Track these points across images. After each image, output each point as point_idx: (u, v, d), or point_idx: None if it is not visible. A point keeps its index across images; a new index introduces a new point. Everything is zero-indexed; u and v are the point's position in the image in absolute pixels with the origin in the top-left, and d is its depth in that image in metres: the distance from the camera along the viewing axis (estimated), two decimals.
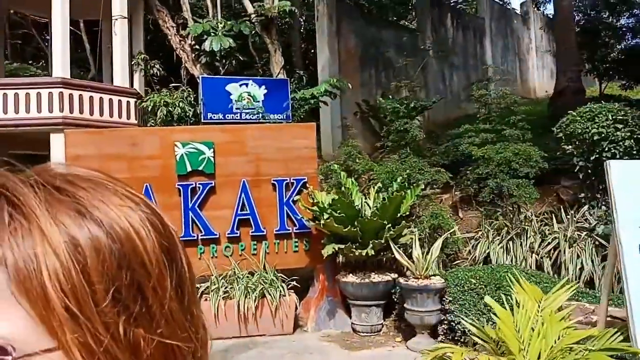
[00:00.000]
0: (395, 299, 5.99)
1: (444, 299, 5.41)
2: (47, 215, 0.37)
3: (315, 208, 6.10)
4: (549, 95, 11.52)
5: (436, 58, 10.92)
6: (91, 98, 7.66)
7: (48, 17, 10.26)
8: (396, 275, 6.05)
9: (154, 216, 0.43)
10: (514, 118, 6.47)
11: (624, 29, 11.47)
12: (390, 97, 9.85)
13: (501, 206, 6.27)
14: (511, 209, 6.21)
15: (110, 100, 7.87)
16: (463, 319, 3.61)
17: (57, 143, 7.36)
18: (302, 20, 12.67)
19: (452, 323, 5.33)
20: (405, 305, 5.49)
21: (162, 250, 0.41)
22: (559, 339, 2.71)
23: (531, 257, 5.69)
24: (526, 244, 5.76)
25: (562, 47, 9.15)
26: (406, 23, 13.92)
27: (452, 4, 13.85)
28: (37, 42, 16.30)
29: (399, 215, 5.91)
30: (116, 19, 8.09)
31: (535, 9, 16.29)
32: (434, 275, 5.58)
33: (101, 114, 7.77)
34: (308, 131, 6.79)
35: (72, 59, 8.06)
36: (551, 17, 18.24)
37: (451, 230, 6.01)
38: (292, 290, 6.20)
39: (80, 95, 7.57)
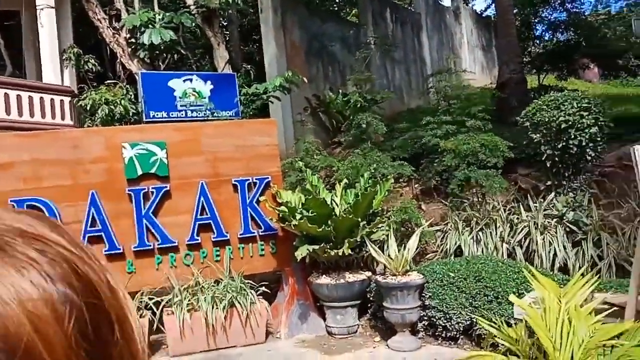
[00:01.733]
0: (370, 298, 5.83)
1: (423, 294, 5.32)
2: None
3: (283, 208, 5.80)
4: (487, 87, 11.95)
5: (379, 52, 10.91)
6: (19, 97, 6.77)
7: None
8: (370, 274, 5.90)
9: (73, 277, 0.36)
10: (474, 109, 6.53)
11: (557, 22, 12.17)
12: (340, 91, 9.71)
13: (467, 197, 6.30)
14: (477, 199, 6.25)
15: (42, 99, 7.00)
16: (482, 321, 3.47)
17: None
18: (237, 14, 12.18)
19: (432, 319, 5.25)
20: (384, 303, 5.34)
21: (76, 327, 0.34)
22: (590, 336, 2.64)
23: (502, 246, 5.74)
24: (496, 234, 5.81)
25: (504, 39, 9.47)
26: (349, 17, 13.86)
27: None
28: None
29: (371, 211, 5.75)
30: (42, 9, 7.22)
31: (465, 4, 16.89)
32: (411, 271, 5.48)
33: (32, 115, 6.89)
34: (269, 127, 6.45)
35: None
36: (480, 12, 19.06)
37: (423, 225, 5.95)
38: (262, 297, 5.86)
39: (5, 94, 6.67)
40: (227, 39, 11.75)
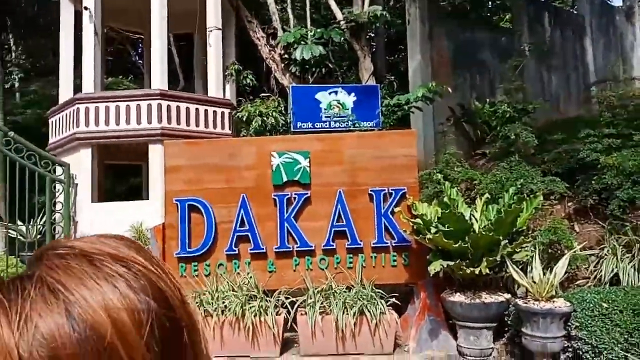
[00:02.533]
0: (508, 322, 5.46)
1: (568, 324, 4.83)
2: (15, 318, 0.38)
3: (418, 221, 5.71)
4: None
5: (534, 59, 10.17)
6: (187, 109, 7.77)
7: (143, 32, 10.67)
8: (509, 296, 5.51)
9: (150, 290, 0.42)
10: None
11: None
12: (487, 101, 9.27)
13: (630, 220, 5.56)
14: None
15: (206, 111, 7.94)
16: None
17: (156, 154, 7.50)
18: (385, 26, 12.34)
19: (578, 351, 4.74)
20: (523, 329, 4.96)
21: (155, 328, 0.41)
22: None
23: None
24: None
25: None
26: (501, 24, 13.20)
27: (549, 1, 12.95)
28: (128, 57, 17.18)
29: (514, 229, 5.39)
30: (211, 31, 8.18)
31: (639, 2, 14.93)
32: (557, 297, 5.00)
33: (197, 124, 7.85)
34: (409, 138, 6.42)
35: None
36: None
37: (574, 248, 5.39)
38: (391, 308, 5.84)
39: (177, 106, 7.70)
40: (374, 49, 11.98)
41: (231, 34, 9.16)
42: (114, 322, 0.39)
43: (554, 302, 4.89)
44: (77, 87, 8.88)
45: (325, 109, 8.28)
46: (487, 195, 5.99)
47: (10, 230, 8.38)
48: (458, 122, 9.24)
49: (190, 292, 5.91)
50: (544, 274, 5.05)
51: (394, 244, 6.20)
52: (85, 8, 8.08)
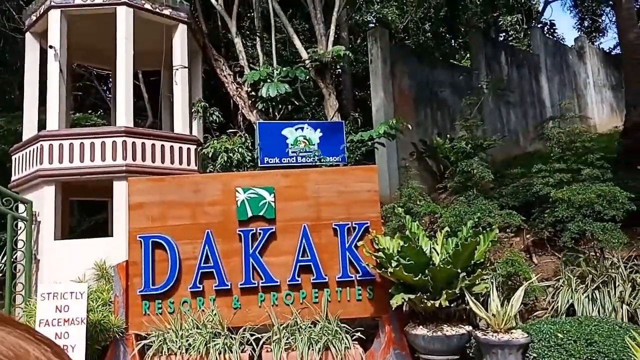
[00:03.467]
0: (470, 354, 5.55)
1: (526, 355, 4.95)
2: None
3: (380, 254, 5.82)
4: (616, 130, 10.96)
5: (492, 96, 10.64)
6: (153, 146, 7.80)
7: (110, 69, 10.72)
8: (470, 328, 5.62)
9: None
10: (591, 157, 6.06)
11: None
12: (448, 136, 9.60)
13: (583, 251, 5.80)
14: (594, 254, 5.72)
15: (172, 148, 7.98)
16: None
17: (120, 190, 7.46)
18: (352, 63, 12.74)
19: None
20: None
21: None
22: None
23: (622, 308, 5.16)
24: (615, 294, 5.25)
25: (633, 81, 8.70)
26: (461, 62, 13.78)
27: (505, 42, 13.62)
28: (97, 92, 17.13)
29: (472, 262, 5.55)
30: (177, 69, 8.31)
31: (590, 43, 15.85)
32: (515, 328, 5.14)
33: (162, 161, 7.87)
34: (370, 174, 6.60)
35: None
36: (608, 51, 17.71)
37: (530, 280, 5.57)
38: (357, 342, 5.87)
39: (142, 143, 7.72)
40: (341, 86, 12.33)
41: (198, 71, 9.32)
42: None
43: (511, 333, 5.02)
44: (42, 124, 8.82)
45: (291, 145, 8.44)
46: (446, 228, 6.16)
47: None
48: (421, 157, 9.52)
49: (154, 331, 5.82)
50: (502, 305, 5.19)
51: (358, 278, 6.28)
52: (51, 46, 8.11)
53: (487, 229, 5.70)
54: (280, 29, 10.56)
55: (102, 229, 10.78)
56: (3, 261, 7.65)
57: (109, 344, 5.93)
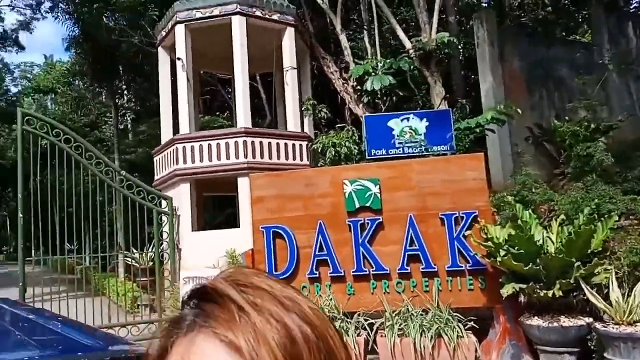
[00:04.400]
0: (592, 347, 5.32)
1: None
2: (258, 314, 0.48)
3: (489, 244, 5.78)
4: None
5: (618, 72, 9.73)
6: (269, 144, 8.51)
7: (230, 74, 11.72)
8: (591, 320, 5.38)
9: (314, 321, 0.51)
10: None
11: None
12: (567, 118, 9.04)
13: None
14: None
15: (286, 145, 8.63)
16: None
17: (244, 186, 8.25)
18: (460, 47, 12.41)
19: None
20: (605, 354, 4.85)
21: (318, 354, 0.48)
22: None
23: None
24: None
25: None
26: (577, 37, 12.73)
27: (632, 11, 12.29)
28: (222, 96, 18.66)
29: (589, 251, 5.30)
30: (287, 70, 8.89)
31: None
32: None
33: (278, 157, 8.55)
34: (476, 162, 6.54)
35: (251, 108, 9.09)
36: None
37: None
38: (470, 331, 5.91)
39: (260, 141, 8.47)
40: (449, 72, 12.10)
41: (307, 70, 9.84)
42: (325, 324, 0.50)
43: (635, 326, 4.75)
44: (177, 127, 10.00)
45: (397, 136, 8.57)
46: (562, 216, 5.93)
47: (127, 258, 9.54)
48: (537, 142, 9.07)
49: None
50: (624, 296, 4.92)
51: (469, 268, 6.29)
52: (178, 58, 9.16)
53: (605, 217, 5.40)
54: (384, 21, 10.68)
55: (232, 221, 11.90)
56: (152, 251, 8.86)
57: None
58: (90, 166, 8.00)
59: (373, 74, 8.83)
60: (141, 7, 12.36)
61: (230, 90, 17.66)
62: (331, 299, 6.43)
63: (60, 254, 7.76)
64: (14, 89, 37.21)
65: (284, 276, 6.65)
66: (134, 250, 8.88)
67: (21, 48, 30.06)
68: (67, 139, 7.90)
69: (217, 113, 18.28)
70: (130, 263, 9.48)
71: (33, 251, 8.17)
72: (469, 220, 6.29)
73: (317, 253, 6.67)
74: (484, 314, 6.24)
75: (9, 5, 26.02)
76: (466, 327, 5.87)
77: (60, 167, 7.88)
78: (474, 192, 6.39)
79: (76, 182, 7.86)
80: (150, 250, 8.75)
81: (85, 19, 13.47)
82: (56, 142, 7.79)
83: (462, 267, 6.28)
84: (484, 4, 14.50)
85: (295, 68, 8.92)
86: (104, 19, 13.42)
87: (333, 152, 7.83)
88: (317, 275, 6.65)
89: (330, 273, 6.60)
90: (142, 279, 9.33)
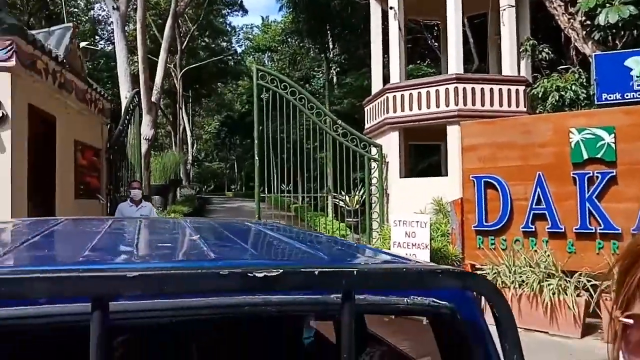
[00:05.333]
0: None
1: None
2: None
3: None
4: None
5: None
6: (482, 90, 8.16)
7: (439, 19, 11.41)
8: None
9: None
10: None
11: None
12: None
13: None
14: None
15: (500, 90, 8.18)
16: None
17: (453, 134, 8.16)
18: None
19: None
20: None
21: None
22: None
23: None
24: None
25: None
26: None
27: None
28: (424, 43, 18.34)
29: None
30: (504, 9, 8.28)
31: None
32: None
33: (491, 104, 8.18)
34: None
35: None
36: None
37: None
38: None
39: (472, 88, 8.18)
40: None
41: (525, 9, 9.00)
42: None
43: None
44: (385, 78, 10.27)
45: (637, 77, 7.41)
46: None
47: (336, 200, 10.42)
48: None
49: (488, 263, 6.37)
50: None
51: None
52: (391, 8, 9.26)
53: None
54: None
55: (434, 169, 11.94)
56: (359, 194, 9.49)
57: None
58: (312, 116, 8.82)
59: (608, 4, 7.64)
60: None
61: (433, 36, 17.26)
62: (548, 255, 6.09)
63: (278, 193, 8.84)
64: (239, 49, 42.24)
65: (495, 228, 6.52)
66: (342, 193, 9.60)
67: (245, 11, 33.84)
68: (293, 92, 8.82)
69: (418, 62, 18.09)
70: (338, 204, 10.29)
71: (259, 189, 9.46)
72: None
73: (534, 206, 6.33)
74: None
75: None
76: None
77: (281, 116, 8.87)
78: None
79: (293, 130, 8.80)
80: (357, 193, 9.38)
81: None
82: (284, 94, 8.76)
83: None
84: None
85: (513, 6, 8.25)
86: None
87: (557, 97, 7.14)
88: (533, 230, 6.34)
89: (548, 228, 6.23)
90: (350, 220, 10.07)
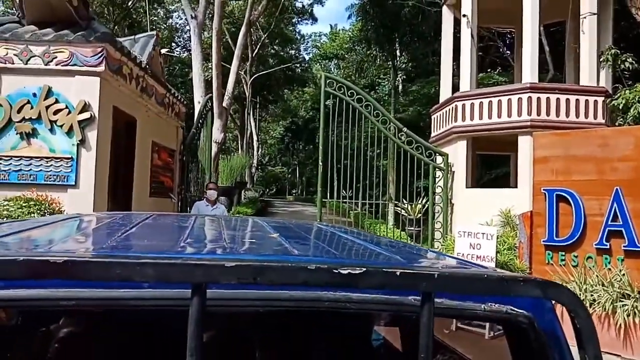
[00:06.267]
0: None
1: None
2: None
3: None
4: None
5: None
6: (557, 100, 7.83)
7: (513, 27, 11.08)
8: None
9: None
10: None
11: None
12: None
13: None
14: None
15: (577, 101, 7.81)
16: None
17: (525, 145, 7.89)
18: None
19: None
20: None
21: None
22: None
23: None
24: None
25: None
26: None
27: None
28: (496, 51, 17.83)
29: None
30: (584, 17, 7.92)
31: None
32: None
33: (567, 115, 7.82)
34: None
35: None
36: None
37: None
38: None
39: (547, 97, 7.87)
40: None
41: (607, 17, 8.54)
42: None
43: None
44: (454, 86, 10.11)
45: None
46: None
47: (397, 208, 10.35)
48: None
49: (558, 280, 6.09)
50: None
51: None
52: (464, 15, 9.11)
53: None
54: None
55: (502, 181, 11.57)
56: (422, 203, 9.36)
57: None
58: (377, 123, 8.84)
59: None
60: None
61: (505, 44, 16.73)
62: (623, 275, 5.75)
63: (338, 198, 8.89)
64: (306, 57, 42.94)
65: (566, 243, 6.23)
66: (404, 201, 9.50)
67: (314, 20, 34.35)
68: (359, 99, 8.88)
69: (489, 70, 17.60)
70: (399, 212, 10.19)
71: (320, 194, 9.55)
72: None
73: (609, 223, 5.99)
74: None
75: None
76: None
77: (346, 122, 8.93)
78: None
79: (357, 137, 8.84)
80: (420, 202, 9.26)
81: None
82: (350, 101, 8.85)
83: None
84: None
85: (595, 13, 7.86)
86: None
87: (639, 109, 6.73)
88: (608, 247, 6.00)
89: (624, 246, 5.87)
90: (410, 229, 9.95)
